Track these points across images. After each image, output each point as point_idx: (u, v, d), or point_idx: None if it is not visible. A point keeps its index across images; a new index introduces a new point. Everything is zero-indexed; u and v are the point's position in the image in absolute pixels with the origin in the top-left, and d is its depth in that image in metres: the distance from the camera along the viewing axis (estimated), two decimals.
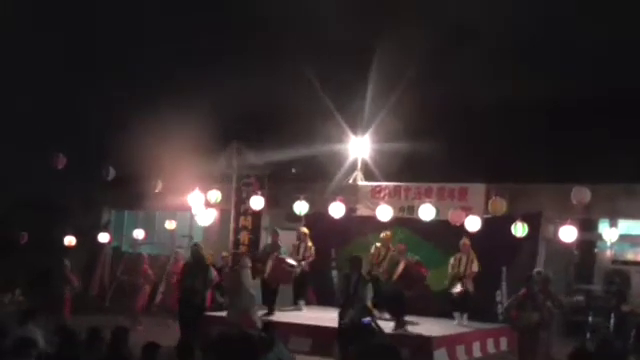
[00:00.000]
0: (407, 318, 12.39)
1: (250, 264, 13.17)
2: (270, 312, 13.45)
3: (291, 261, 13.92)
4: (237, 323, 11.38)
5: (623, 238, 14.51)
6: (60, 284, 13.76)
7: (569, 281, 14.91)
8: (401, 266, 12.83)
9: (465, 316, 13.23)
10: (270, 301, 13.70)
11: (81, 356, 6.61)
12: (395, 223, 14.55)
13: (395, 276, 12.78)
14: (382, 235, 13.85)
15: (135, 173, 17.33)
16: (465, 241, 13.34)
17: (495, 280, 13.74)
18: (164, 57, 17.69)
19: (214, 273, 12.64)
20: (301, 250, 14.36)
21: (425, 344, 11.60)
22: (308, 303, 14.90)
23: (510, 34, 16.69)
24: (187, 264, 12.81)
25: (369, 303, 10.57)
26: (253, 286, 13.00)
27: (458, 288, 13.06)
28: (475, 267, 13.16)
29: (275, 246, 14.13)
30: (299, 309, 14.25)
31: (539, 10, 17.16)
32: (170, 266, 16.16)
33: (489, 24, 16.48)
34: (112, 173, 17.03)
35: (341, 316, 10.35)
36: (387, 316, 12.59)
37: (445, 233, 13.95)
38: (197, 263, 12.25)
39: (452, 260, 13.32)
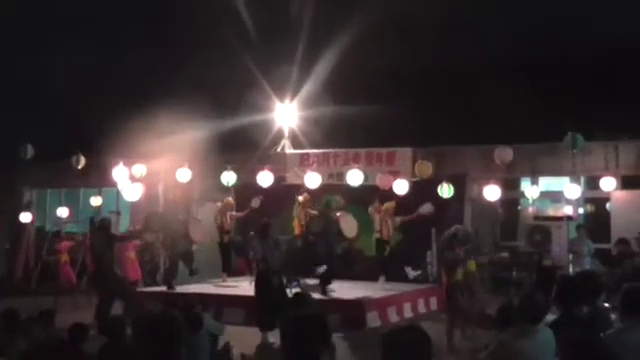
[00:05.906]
0: (339, 283, 12.52)
1: None
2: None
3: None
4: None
5: (544, 195, 14.96)
6: None
7: (495, 239, 15.34)
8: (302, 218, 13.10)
9: (382, 278, 13.49)
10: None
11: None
12: (326, 190, 14.57)
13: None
14: (300, 198, 13.85)
15: (55, 150, 16.71)
16: (374, 206, 13.51)
17: (425, 241, 14.05)
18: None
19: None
20: (227, 220, 14.40)
21: (357, 308, 11.77)
22: (241, 274, 14.86)
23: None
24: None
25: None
26: None
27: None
28: (390, 228, 13.39)
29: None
30: (224, 281, 14.25)
31: None
32: (87, 244, 15.69)
33: None
34: (30, 151, 16.37)
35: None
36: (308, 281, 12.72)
37: (375, 198, 14.09)
38: (105, 238, 11.91)
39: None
